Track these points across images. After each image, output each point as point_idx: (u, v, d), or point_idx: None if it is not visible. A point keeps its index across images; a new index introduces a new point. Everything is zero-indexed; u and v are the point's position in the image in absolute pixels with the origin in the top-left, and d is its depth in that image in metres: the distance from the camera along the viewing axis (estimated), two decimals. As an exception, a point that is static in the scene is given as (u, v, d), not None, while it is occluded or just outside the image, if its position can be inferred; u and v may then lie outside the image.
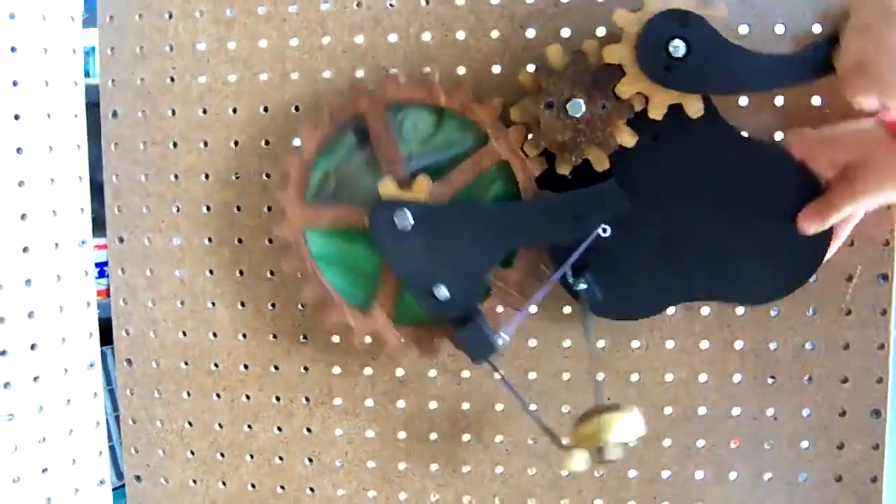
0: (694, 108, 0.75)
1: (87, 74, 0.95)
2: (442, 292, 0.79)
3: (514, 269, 0.81)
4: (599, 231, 0.77)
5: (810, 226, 0.76)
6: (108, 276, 0.97)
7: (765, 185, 0.78)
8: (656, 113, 0.75)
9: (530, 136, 0.78)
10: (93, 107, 0.94)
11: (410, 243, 0.78)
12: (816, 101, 0.80)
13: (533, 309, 0.85)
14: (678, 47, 0.72)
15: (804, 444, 0.86)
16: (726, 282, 0.81)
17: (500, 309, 0.82)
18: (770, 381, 0.85)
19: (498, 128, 0.79)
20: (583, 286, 0.80)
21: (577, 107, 0.75)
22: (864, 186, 0.73)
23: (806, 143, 0.77)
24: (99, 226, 0.95)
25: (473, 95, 0.80)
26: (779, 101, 0.81)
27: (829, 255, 0.79)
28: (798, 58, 0.74)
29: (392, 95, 0.80)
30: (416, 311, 0.82)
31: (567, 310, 0.87)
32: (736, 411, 0.86)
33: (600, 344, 0.87)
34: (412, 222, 0.78)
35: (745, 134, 0.78)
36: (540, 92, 0.76)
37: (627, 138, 0.76)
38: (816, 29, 0.79)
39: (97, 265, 0.97)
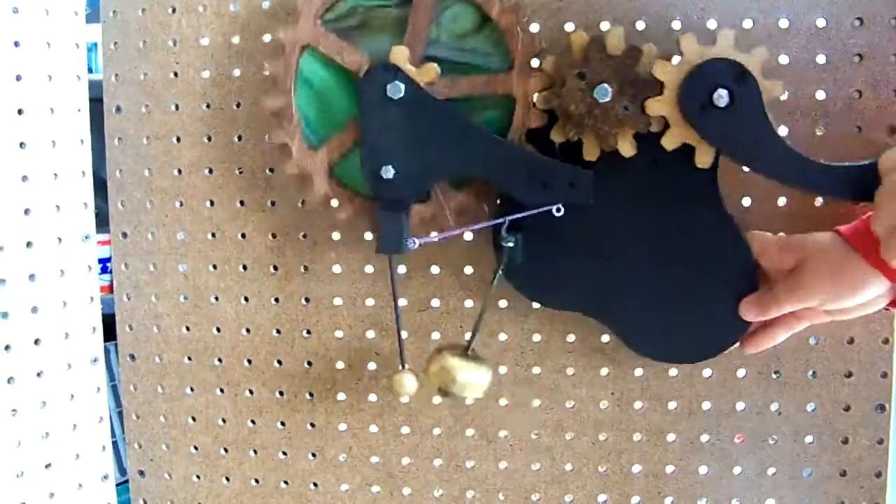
0: (704, 158, 0.75)
1: (89, 70, 0.94)
2: (388, 172, 0.78)
3: (462, 193, 0.81)
4: (554, 208, 0.77)
5: (750, 313, 0.79)
6: (111, 272, 0.97)
7: (714, 262, 0.79)
8: (669, 143, 0.75)
9: (547, 91, 0.77)
10: (96, 102, 0.93)
11: (388, 114, 0.77)
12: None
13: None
14: (722, 97, 0.72)
15: (808, 438, 0.86)
16: (632, 324, 0.83)
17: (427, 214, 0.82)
18: (774, 375, 0.85)
19: (526, 65, 0.79)
20: (510, 244, 0.80)
21: (604, 93, 0.74)
22: (805, 280, 0.76)
23: (764, 245, 0.79)
24: (102, 222, 0.95)
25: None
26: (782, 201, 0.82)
27: (757, 350, 0.82)
28: (822, 172, 0.75)
29: None
30: (358, 178, 0.82)
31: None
32: (740, 406, 0.86)
33: (604, 339, 0.87)
34: (402, 95, 0.77)
35: (726, 209, 0.79)
36: (582, 59, 0.76)
37: (627, 148, 0.76)
38: (821, 23, 0.79)
39: (100, 261, 0.97)
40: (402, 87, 0.76)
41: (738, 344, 0.81)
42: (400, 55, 0.77)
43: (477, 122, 0.79)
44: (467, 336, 0.88)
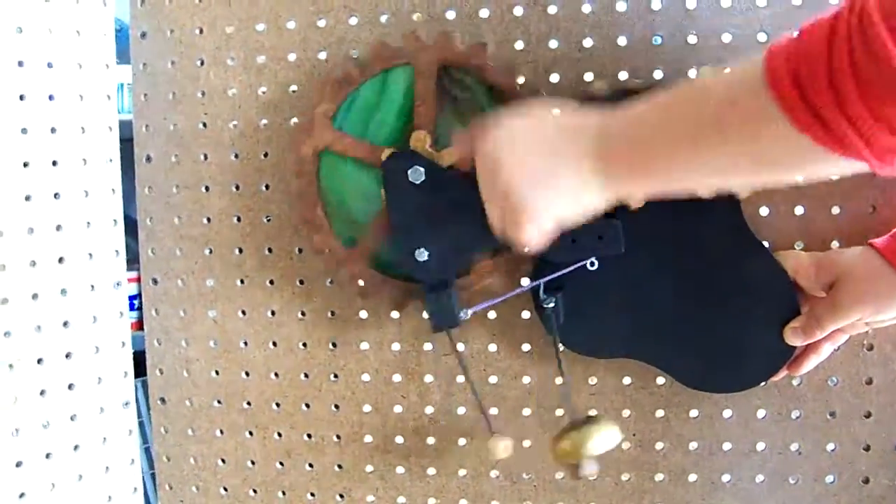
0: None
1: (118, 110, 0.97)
2: (422, 255, 0.80)
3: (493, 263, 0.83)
4: (587, 262, 0.79)
5: (795, 339, 0.79)
6: (138, 309, 0.98)
7: (752, 291, 0.80)
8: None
9: None
10: (124, 142, 0.96)
11: (413, 198, 0.79)
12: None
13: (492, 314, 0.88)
14: None
15: (829, 478, 0.87)
16: (681, 361, 0.84)
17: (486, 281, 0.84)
18: (794, 416, 0.86)
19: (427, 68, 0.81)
20: (550, 305, 0.81)
21: None
22: (845, 300, 0.76)
23: (799, 264, 0.80)
24: (131, 259, 0.97)
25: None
26: (799, 210, 0.83)
27: (806, 370, 0.82)
28: None
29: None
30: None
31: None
32: (761, 446, 0.87)
33: (626, 381, 0.89)
34: (423, 179, 0.79)
35: (756, 237, 0.81)
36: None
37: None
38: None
39: (129, 297, 0.99)
40: (422, 170, 0.78)
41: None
42: (420, 141, 0.80)
43: None
44: (493, 380, 0.90)
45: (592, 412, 0.88)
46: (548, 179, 0.64)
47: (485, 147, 0.69)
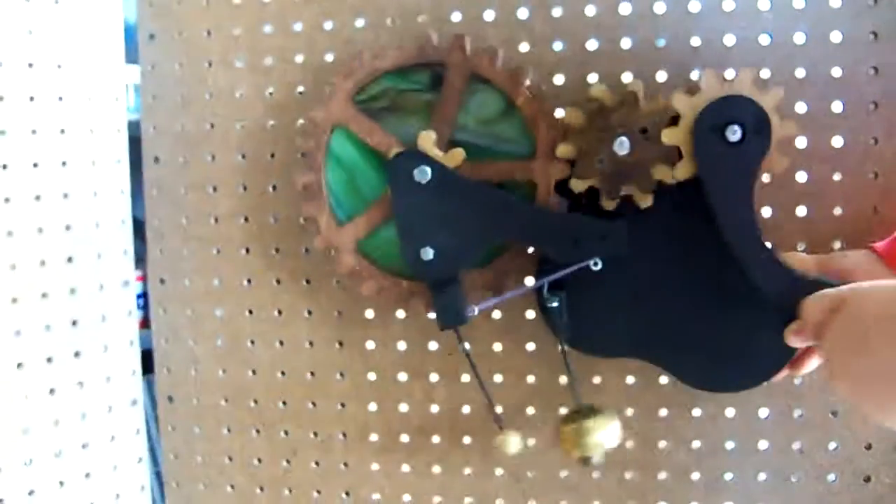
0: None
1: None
2: (428, 254, 0.80)
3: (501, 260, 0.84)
4: (591, 262, 0.79)
5: (795, 341, 0.78)
6: (144, 308, 0.99)
7: (756, 291, 0.79)
8: (681, 173, 0.77)
9: (570, 142, 0.79)
10: (133, 143, 0.97)
11: (419, 198, 0.80)
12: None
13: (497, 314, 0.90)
14: (735, 132, 0.74)
15: (831, 477, 0.87)
16: (684, 361, 0.83)
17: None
18: (796, 415, 0.87)
19: (548, 152, 0.81)
20: (554, 304, 0.81)
21: (622, 146, 0.77)
22: None
23: (802, 266, 0.79)
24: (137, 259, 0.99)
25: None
26: (801, 211, 0.84)
27: (806, 371, 0.82)
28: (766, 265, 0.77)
29: (482, 69, 0.82)
30: (382, 254, 0.86)
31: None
32: (763, 445, 0.88)
33: (629, 380, 0.89)
34: (429, 179, 0.79)
35: (760, 237, 0.80)
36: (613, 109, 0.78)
37: (609, 204, 0.79)
38: (836, 72, 0.81)
39: (136, 296, 1.00)
40: (429, 170, 0.79)
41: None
42: (427, 139, 0.80)
43: (502, 192, 0.81)
44: (497, 379, 0.91)
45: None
46: None
47: (833, 332, 0.68)
